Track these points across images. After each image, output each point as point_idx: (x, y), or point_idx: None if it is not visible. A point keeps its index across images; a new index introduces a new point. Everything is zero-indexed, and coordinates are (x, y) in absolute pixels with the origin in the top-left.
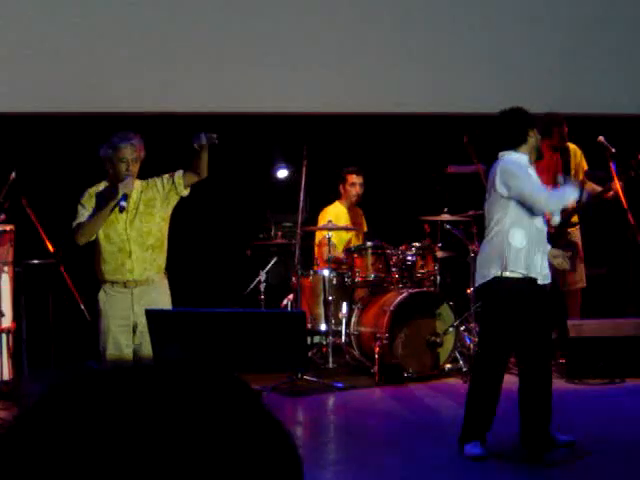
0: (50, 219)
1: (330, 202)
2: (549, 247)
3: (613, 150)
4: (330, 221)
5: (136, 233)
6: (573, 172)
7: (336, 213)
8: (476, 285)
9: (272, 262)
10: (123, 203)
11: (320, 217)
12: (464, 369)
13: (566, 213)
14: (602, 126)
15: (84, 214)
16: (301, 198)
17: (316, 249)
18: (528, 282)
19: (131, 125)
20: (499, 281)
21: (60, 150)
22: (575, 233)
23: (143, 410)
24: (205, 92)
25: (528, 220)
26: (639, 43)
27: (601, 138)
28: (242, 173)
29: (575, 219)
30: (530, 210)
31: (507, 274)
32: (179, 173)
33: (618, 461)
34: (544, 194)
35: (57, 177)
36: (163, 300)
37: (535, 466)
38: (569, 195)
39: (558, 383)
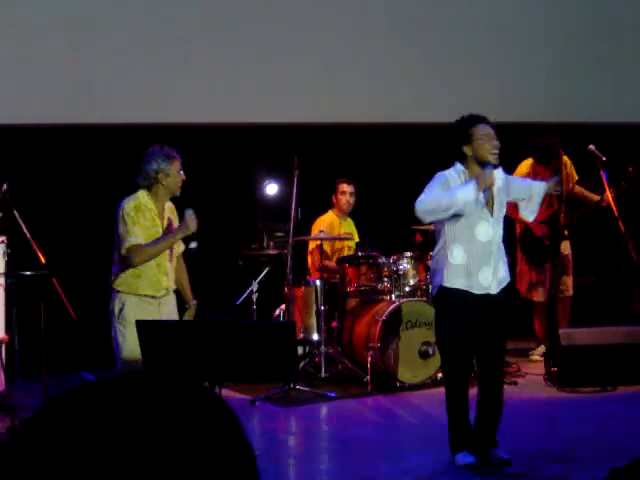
0: (42, 231)
1: (323, 212)
2: (499, 258)
3: (604, 158)
4: (322, 231)
5: (172, 252)
6: (564, 183)
7: (329, 222)
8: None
9: (264, 272)
10: (193, 246)
11: (313, 227)
12: (438, 377)
13: (558, 225)
14: (593, 135)
15: (138, 234)
16: (292, 208)
17: (308, 259)
18: (467, 294)
19: (125, 136)
20: (443, 292)
21: (52, 162)
22: (565, 246)
23: (118, 419)
24: (196, 104)
25: (468, 235)
26: (628, 52)
27: (591, 147)
28: (234, 183)
29: (566, 233)
30: (469, 224)
31: (448, 285)
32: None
33: (608, 468)
34: (421, 196)
35: (49, 189)
36: (175, 310)
37: (526, 477)
38: (453, 200)
39: (550, 392)
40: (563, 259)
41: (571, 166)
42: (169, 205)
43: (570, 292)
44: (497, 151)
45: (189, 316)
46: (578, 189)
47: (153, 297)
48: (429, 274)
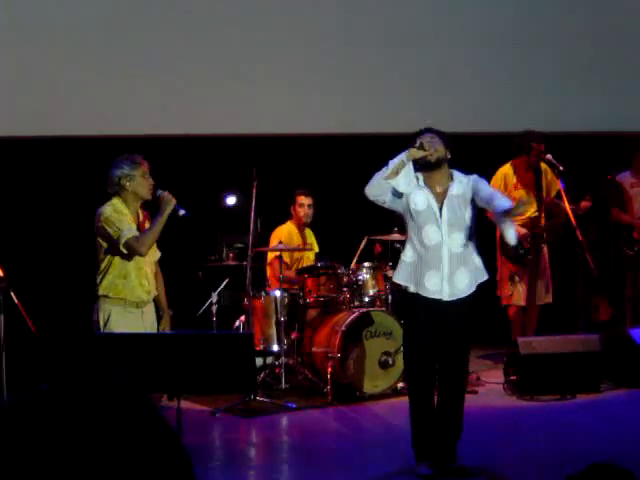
0: None
1: (281, 222)
2: (457, 266)
3: (561, 168)
4: (281, 242)
5: (149, 258)
6: (545, 191)
7: (287, 233)
8: None
9: (224, 284)
10: (183, 212)
11: (272, 237)
12: (399, 387)
13: (538, 229)
14: (570, 144)
15: (130, 227)
16: (252, 219)
17: (268, 270)
18: (418, 297)
19: (82, 149)
20: (404, 294)
21: (10, 174)
22: (545, 250)
23: (59, 428)
24: (156, 115)
25: (416, 237)
26: (604, 60)
27: (548, 156)
28: (192, 195)
29: (545, 236)
30: (417, 225)
31: (396, 281)
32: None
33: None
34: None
35: (6, 200)
36: (155, 319)
37: None
38: (385, 166)
39: (509, 400)
40: (543, 265)
41: (552, 175)
42: (167, 193)
43: (549, 299)
44: (422, 141)
45: (164, 324)
46: (558, 203)
47: (137, 305)
48: (388, 284)
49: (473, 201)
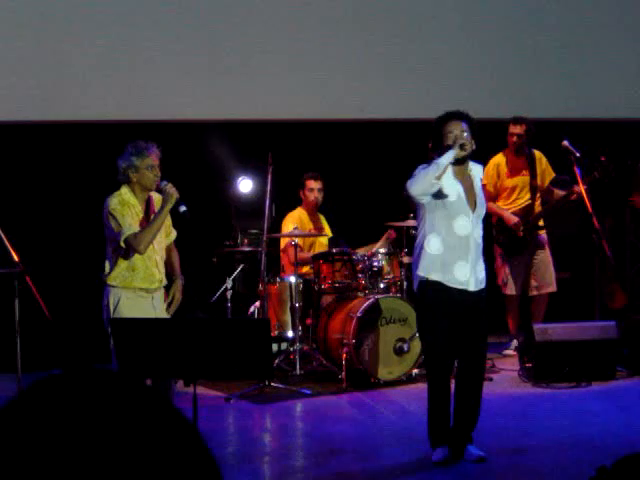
0: (15, 228)
1: (293, 208)
2: (478, 257)
3: (577, 154)
4: (296, 227)
5: (157, 245)
6: (539, 178)
7: (299, 218)
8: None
9: (238, 269)
10: (183, 209)
11: (283, 223)
12: (414, 374)
13: (533, 216)
14: (564, 131)
15: (131, 223)
16: (267, 205)
17: (282, 256)
18: (445, 288)
19: (97, 134)
20: (422, 285)
21: (25, 159)
22: (543, 237)
23: (75, 420)
24: (170, 101)
25: (446, 227)
26: (604, 47)
27: (565, 143)
28: (207, 180)
29: (541, 223)
30: (448, 215)
31: (423, 275)
32: (174, 234)
33: (584, 463)
34: (412, 178)
35: (22, 186)
36: (164, 305)
37: (502, 472)
38: (435, 164)
39: (525, 387)
40: (542, 252)
41: (547, 163)
42: (158, 197)
43: (553, 288)
44: (462, 141)
45: (175, 289)
46: (552, 190)
47: (147, 291)
48: (403, 270)
49: None
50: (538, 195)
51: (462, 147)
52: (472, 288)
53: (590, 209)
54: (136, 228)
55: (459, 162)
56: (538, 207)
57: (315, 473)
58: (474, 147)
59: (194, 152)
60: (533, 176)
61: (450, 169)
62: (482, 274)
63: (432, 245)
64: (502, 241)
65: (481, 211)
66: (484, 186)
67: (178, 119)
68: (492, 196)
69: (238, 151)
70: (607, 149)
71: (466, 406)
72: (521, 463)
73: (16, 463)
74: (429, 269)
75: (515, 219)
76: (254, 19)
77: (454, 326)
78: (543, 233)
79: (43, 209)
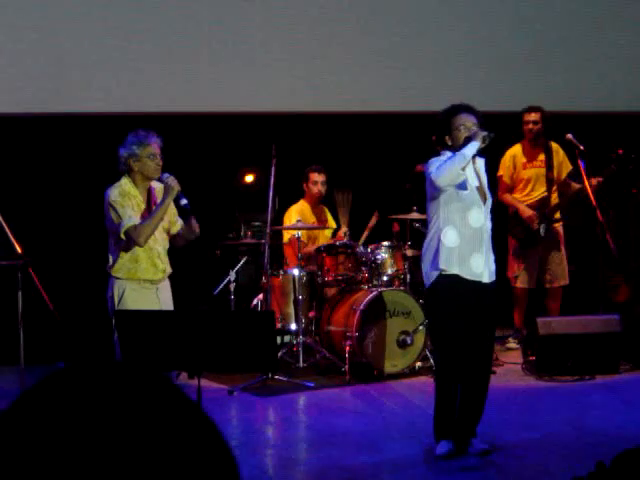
0: (18, 220)
1: (296, 201)
2: (489, 248)
3: (582, 147)
4: (299, 220)
5: (159, 235)
6: (555, 170)
7: (302, 211)
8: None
9: (242, 262)
10: (184, 202)
11: (286, 216)
12: (435, 367)
13: (549, 209)
14: (571, 124)
15: (131, 215)
16: (270, 197)
17: (285, 248)
18: (461, 281)
19: (101, 126)
20: (436, 279)
21: (28, 151)
22: (559, 230)
23: (90, 414)
24: (173, 92)
25: (461, 219)
26: (613, 41)
27: (569, 135)
28: (210, 173)
29: (557, 215)
30: (463, 207)
31: (442, 272)
32: (180, 223)
33: (588, 458)
34: (435, 167)
35: (25, 178)
36: (171, 297)
37: (507, 466)
38: (461, 155)
39: (528, 380)
40: (556, 245)
41: (564, 155)
42: (159, 187)
43: (565, 281)
44: (484, 134)
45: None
46: (570, 183)
47: (151, 282)
48: (406, 263)
49: None
50: (555, 188)
51: (483, 139)
52: (486, 280)
53: (594, 202)
54: (136, 220)
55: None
56: (555, 200)
57: (318, 465)
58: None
59: (198, 144)
60: (549, 168)
61: None
62: (494, 266)
63: (449, 237)
64: (517, 234)
65: (489, 202)
66: (500, 177)
67: (182, 111)
68: (508, 187)
69: (242, 144)
70: (623, 142)
71: (472, 400)
72: (524, 456)
73: (28, 460)
74: (447, 262)
75: (530, 212)
76: (257, 11)
77: (467, 319)
78: (559, 227)
79: (46, 201)
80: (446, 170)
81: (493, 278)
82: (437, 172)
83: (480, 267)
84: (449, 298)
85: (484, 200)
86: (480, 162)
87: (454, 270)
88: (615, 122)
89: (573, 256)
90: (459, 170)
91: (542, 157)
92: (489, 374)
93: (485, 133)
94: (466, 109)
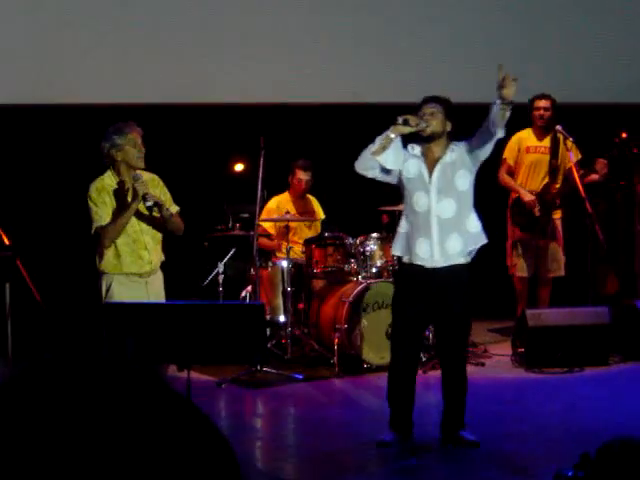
0: (6, 212)
1: (284, 191)
2: (449, 232)
3: (571, 139)
4: (288, 212)
5: (147, 225)
6: (560, 159)
7: (280, 203)
8: None
9: (230, 254)
10: (149, 204)
11: (265, 208)
12: (423, 359)
13: (549, 196)
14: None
15: (102, 215)
16: (259, 189)
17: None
18: (412, 266)
19: (90, 117)
20: (398, 264)
21: (15, 142)
22: (558, 221)
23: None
24: (161, 83)
25: (409, 204)
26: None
27: (559, 127)
28: (199, 164)
29: (558, 202)
30: (409, 193)
31: (393, 253)
32: (175, 209)
33: (577, 449)
34: None
35: (12, 169)
36: (162, 289)
37: (495, 457)
38: (373, 143)
39: (517, 372)
40: (555, 236)
41: (572, 145)
42: (149, 176)
43: (561, 272)
44: (406, 117)
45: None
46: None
47: (140, 276)
48: (396, 255)
49: (467, 166)
50: (560, 176)
51: (405, 122)
52: (439, 264)
53: (583, 194)
54: (106, 219)
55: (425, 141)
56: (558, 187)
57: (307, 457)
58: (438, 129)
59: (186, 136)
60: (554, 156)
61: (417, 147)
62: (456, 249)
63: (401, 224)
64: (518, 221)
65: (447, 187)
66: (505, 159)
67: (170, 102)
68: (510, 169)
69: (230, 135)
70: (625, 129)
71: (449, 388)
72: (513, 448)
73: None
74: (400, 248)
75: (530, 197)
76: (246, 2)
77: (428, 307)
78: (558, 217)
79: (34, 193)
80: (360, 157)
81: (452, 262)
82: (356, 159)
83: (427, 252)
84: (401, 284)
85: (436, 185)
86: (457, 148)
87: (400, 253)
88: (618, 112)
89: (563, 248)
90: (368, 155)
91: (548, 144)
92: (462, 360)
93: (406, 117)
94: (431, 99)
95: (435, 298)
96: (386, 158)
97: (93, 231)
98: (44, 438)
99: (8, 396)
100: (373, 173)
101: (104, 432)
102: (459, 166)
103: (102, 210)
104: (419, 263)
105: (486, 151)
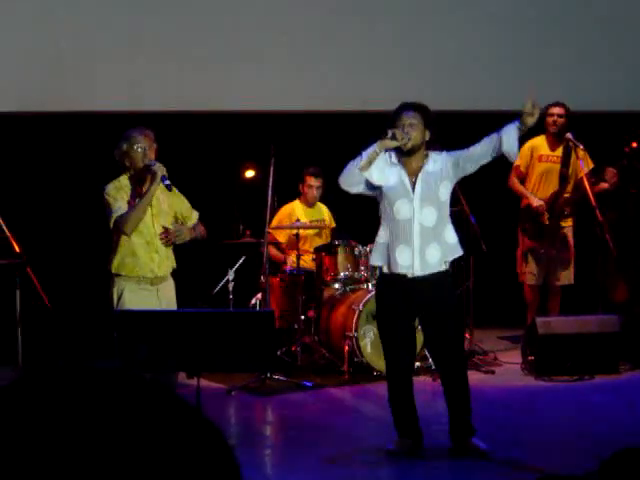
0: (16, 219)
1: (294, 199)
2: (430, 241)
3: (581, 147)
4: (298, 219)
5: (159, 229)
6: (571, 168)
7: (289, 214)
8: None
9: (240, 261)
10: (167, 182)
11: (275, 217)
12: (433, 367)
13: (558, 204)
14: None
15: (121, 206)
16: (269, 196)
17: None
18: (392, 275)
19: (101, 125)
20: (379, 274)
21: (26, 150)
22: (568, 230)
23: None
24: (173, 91)
25: (389, 213)
26: (619, 40)
27: (568, 135)
28: (210, 172)
29: (567, 210)
30: (389, 202)
31: (372, 263)
32: (195, 216)
33: (587, 458)
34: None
35: (23, 177)
36: (174, 296)
37: (505, 465)
38: (360, 156)
39: (527, 381)
40: (565, 245)
41: (585, 154)
42: (158, 165)
43: (570, 281)
44: (393, 131)
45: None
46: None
47: (151, 283)
48: None
49: (449, 178)
50: (570, 185)
51: (393, 136)
52: (419, 272)
53: (594, 202)
54: (125, 209)
55: (406, 153)
56: (568, 195)
57: (316, 465)
58: (418, 142)
59: (198, 143)
60: (565, 165)
61: (394, 155)
62: (436, 258)
63: (381, 234)
64: (527, 229)
65: (430, 195)
66: (517, 167)
67: (182, 110)
68: (522, 176)
69: (241, 142)
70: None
71: (452, 395)
72: (522, 456)
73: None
74: (379, 258)
75: (539, 202)
76: (257, 11)
77: (412, 314)
78: (569, 226)
79: (45, 200)
80: (345, 171)
81: (431, 270)
82: (340, 175)
83: (407, 260)
84: (383, 294)
85: (419, 193)
86: (438, 158)
87: (381, 264)
88: (629, 121)
89: (574, 256)
90: (355, 170)
91: (559, 153)
92: (460, 366)
93: (394, 131)
94: (407, 108)
95: (418, 308)
96: (371, 173)
97: (112, 223)
98: (47, 445)
99: (11, 398)
100: (357, 189)
101: (107, 438)
102: (444, 176)
103: (121, 202)
104: (400, 272)
105: (477, 167)
